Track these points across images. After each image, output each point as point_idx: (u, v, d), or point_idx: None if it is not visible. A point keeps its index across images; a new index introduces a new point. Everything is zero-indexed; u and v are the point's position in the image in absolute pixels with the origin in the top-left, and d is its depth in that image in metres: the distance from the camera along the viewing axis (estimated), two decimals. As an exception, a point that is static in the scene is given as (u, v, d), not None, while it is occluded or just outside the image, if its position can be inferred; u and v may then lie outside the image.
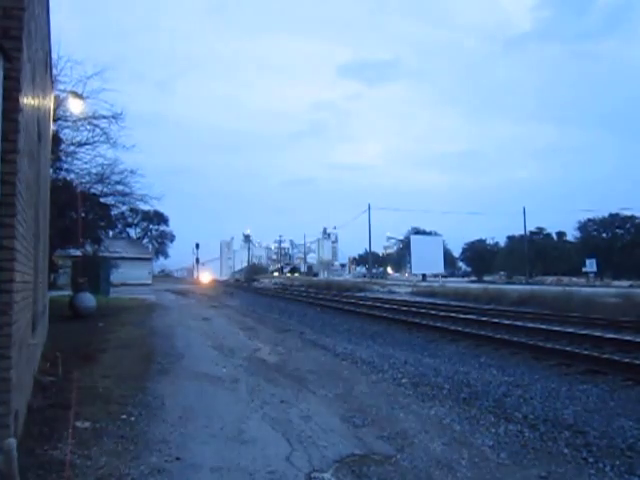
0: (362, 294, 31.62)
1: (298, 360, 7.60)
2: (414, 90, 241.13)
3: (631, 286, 30.30)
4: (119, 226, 48.59)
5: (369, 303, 21.72)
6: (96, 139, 17.81)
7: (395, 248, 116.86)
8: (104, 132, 17.53)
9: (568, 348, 8.30)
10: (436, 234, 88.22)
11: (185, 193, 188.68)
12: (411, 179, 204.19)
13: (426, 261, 70.67)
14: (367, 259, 78.78)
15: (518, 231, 66.87)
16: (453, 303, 21.68)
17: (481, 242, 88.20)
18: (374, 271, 78.03)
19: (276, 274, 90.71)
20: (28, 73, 3.92)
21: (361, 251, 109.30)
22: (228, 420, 4.45)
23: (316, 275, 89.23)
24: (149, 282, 47.55)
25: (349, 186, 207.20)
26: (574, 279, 49.70)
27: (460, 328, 11.44)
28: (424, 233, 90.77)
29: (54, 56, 12.28)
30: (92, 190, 20.37)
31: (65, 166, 18.02)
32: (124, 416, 4.46)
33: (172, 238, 77.78)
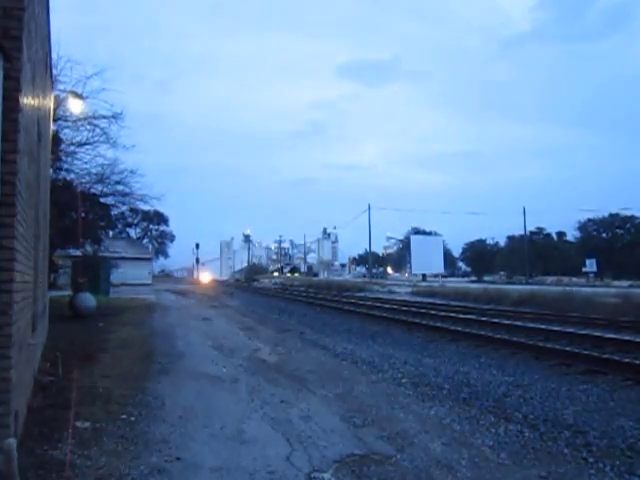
0: (362, 294, 31.62)
1: (298, 360, 7.60)
2: (413, 90, 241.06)
3: (631, 286, 30.30)
4: (119, 226, 48.61)
5: (369, 303, 21.71)
6: (96, 139, 17.82)
7: (395, 248, 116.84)
8: (104, 132, 17.54)
9: (568, 348, 8.29)
10: (436, 234, 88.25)
11: (185, 193, 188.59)
12: (411, 179, 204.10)
13: (426, 261, 70.71)
14: (367, 259, 78.78)
15: (518, 231, 66.93)
16: (453, 303, 21.68)
17: (481, 242, 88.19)
18: (374, 271, 78.02)
19: (276, 274, 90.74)
20: (28, 73, 3.92)
21: (361, 251, 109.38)
22: (228, 420, 4.45)
23: (316, 275, 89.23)
24: (149, 282, 47.54)
25: (349, 186, 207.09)
26: (574, 279, 49.67)
27: (460, 328, 11.44)
28: (424, 233, 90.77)
29: (54, 56, 12.28)
30: (92, 190, 20.38)
31: (65, 166, 18.03)
32: (124, 416, 4.46)
33: (172, 238, 77.82)
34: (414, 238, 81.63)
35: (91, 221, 23.01)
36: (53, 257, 19.34)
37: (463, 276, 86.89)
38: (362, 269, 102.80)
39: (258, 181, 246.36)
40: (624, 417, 4.72)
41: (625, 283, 37.06)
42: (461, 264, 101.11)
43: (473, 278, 77.13)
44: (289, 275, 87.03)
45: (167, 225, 74.96)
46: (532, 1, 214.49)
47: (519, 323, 12.31)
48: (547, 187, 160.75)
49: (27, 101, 3.95)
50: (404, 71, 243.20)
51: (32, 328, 5.20)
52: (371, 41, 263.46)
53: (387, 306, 19.16)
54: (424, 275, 68.13)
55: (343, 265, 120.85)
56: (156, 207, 35.31)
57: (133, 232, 70.82)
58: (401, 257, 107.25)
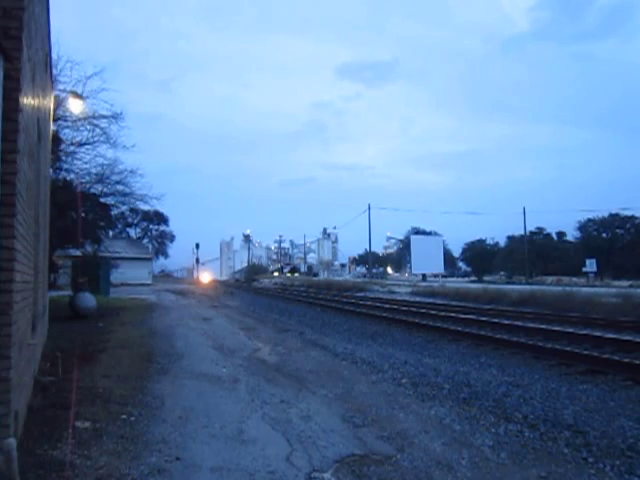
0: (362, 294, 31.62)
1: (298, 360, 7.60)
2: (413, 90, 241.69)
3: (631, 286, 30.27)
4: (119, 226, 48.71)
5: (369, 303, 21.71)
6: (96, 139, 17.86)
7: (395, 248, 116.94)
8: (104, 132, 17.58)
9: (568, 348, 8.29)
10: (436, 234, 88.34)
11: (185, 193, 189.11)
12: (411, 179, 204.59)
13: (426, 261, 70.70)
14: (367, 259, 78.78)
15: (518, 231, 66.93)
16: (453, 303, 21.68)
17: (481, 242, 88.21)
18: (374, 271, 77.99)
19: (276, 274, 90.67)
20: (28, 73, 3.92)
21: (361, 251, 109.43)
22: (228, 420, 4.45)
23: (316, 275, 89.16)
24: (149, 282, 47.58)
25: (349, 186, 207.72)
26: (574, 279, 49.62)
27: (460, 328, 11.43)
28: (424, 233, 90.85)
29: (54, 56, 12.29)
30: (92, 190, 20.39)
31: (65, 166, 18.07)
32: (124, 416, 4.46)
33: (172, 238, 77.99)
34: (414, 238, 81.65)
35: (91, 221, 23.04)
36: (53, 257, 19.36)
37: (463, 276, 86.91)
38: (362, 269, 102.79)
39: (258, 181, 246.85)
40: (624, 417, 4.72)
41: (625, 283, 37.03)
42: (461, 264, 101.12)
43: (473, 278, 77.12)
44: (289, 275, 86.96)
45: (167, 225, 75.18)
46: (530, 2, 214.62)
47: (519, 323, 12.30)
48: (547, 187, 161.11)
49: (27, 101, 3.95)
50: (404, 71, 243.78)
51: (32, 328, 5.20)
52: (371, 41, 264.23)
53: (387, 306, 19.15)
54: (424, 275, 68.11)
55: (343, 265, 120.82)
56: (156, 207, 35.35)
57: (133, 232, 70.96)
58: (401, 257, 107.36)
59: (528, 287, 28.25)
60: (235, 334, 10.70)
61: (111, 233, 38.23)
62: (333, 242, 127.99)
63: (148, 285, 44.29)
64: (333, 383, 6.03)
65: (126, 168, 19.74)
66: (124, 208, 26.93)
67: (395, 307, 18.42)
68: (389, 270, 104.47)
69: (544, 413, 4.84)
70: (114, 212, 26.82)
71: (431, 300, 24.27)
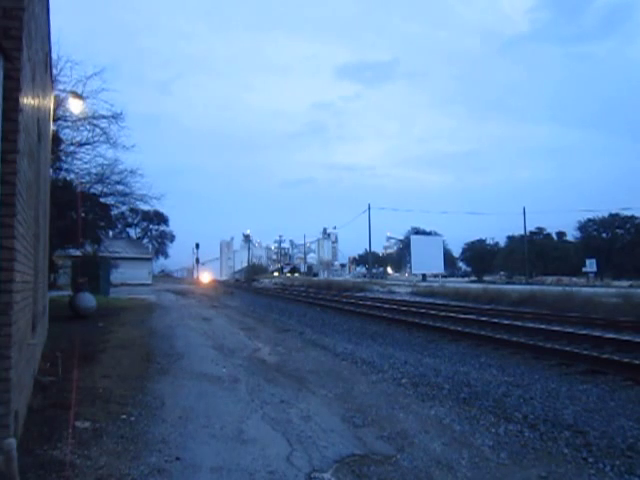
0: (362, 294, 31.62)
1: (298, 360, 7.60)
2: (413, 90, 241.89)
3: (631, 286, 30.28)
4: (119, 226, 48.70)
5: (369, 303, 21.71)
6: (96, 139, 17.86)
7: (395, 248, 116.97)
8: (104, 132, 17.58)
9: (568, 348, 8.29)
10: (436, 234, 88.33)
11: (185, 193, 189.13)
12: (411, 179, 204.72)
13: (426, 261, 70.69)
14: (367, 259, 78.77)
15: (518, 231, 66.94)
16: (453, 303, 21.68)
17: (481, 242, 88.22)
18: (374, 271, 77.99)
19: (276, 274, 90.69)
20: (28, 73, 3.92)
21: (361, 251, 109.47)
22: (228, 420, 4.45)
23: (316, 275, 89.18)
24: (149, 282, 47.56)
25: (349, 186, 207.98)
26: (574, 279, 49.64)
27: (460, 328, 11.44)
28: (424, 233, 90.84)
29: (54, 56, 12.29)
30: (92, 190, 20.40)
31: (65, 166, 18.07)
32: (124, 416, 4.46)
33: (172, 238, 77.98)
34: (414, 238, 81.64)
35: (91, 221, 23.03)
36: (53, 257, 19.35)
37: (463, 276, 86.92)
38: (362, 269, 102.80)
39: (258, 181, 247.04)
40: (624, 417, 4.72)
41: (625, 283, 37.05)
42: (461, 264, 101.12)
43: (473, 278, 77.14)
44: (289, 275, 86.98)
45: (167, 225, 75.17)
46: (529, 3, 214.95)
47: (519, 323, 12.30)
48: (547, 187, 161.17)
49: (27, 101, 3.95)
50: (404, 71, 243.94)
51: (32, 328, 5.19)
52: (371, 41, 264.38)
53: (387, 306, 19.15)
54: (424, 275, 68.10)
55: (343, 265, 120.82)
56: (156, 207, 35.31)
57: (133, 232, 70.94)
58: (401, 257, 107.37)
59: (528, 287, 28.24)
60: (235, 334, 10.70)
61: (111, 233, 38.26)
62: (333, 242, 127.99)
63: (148, 285, 44.27)
64: (333, 383, 6.03)
65: (126, 168, 19.76)
66: (124, 208, 26.97)
67: (395, 307, 18.42)
68: (389, 270, 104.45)
69: (544, 413, 4.84)
70: (114, 212, 26.84)
71: (431, 300, 24.27)
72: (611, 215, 68.98)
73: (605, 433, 4.22)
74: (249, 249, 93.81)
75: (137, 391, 5.38)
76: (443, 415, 4.76)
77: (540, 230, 76.24)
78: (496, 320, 13.05)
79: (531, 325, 11.89)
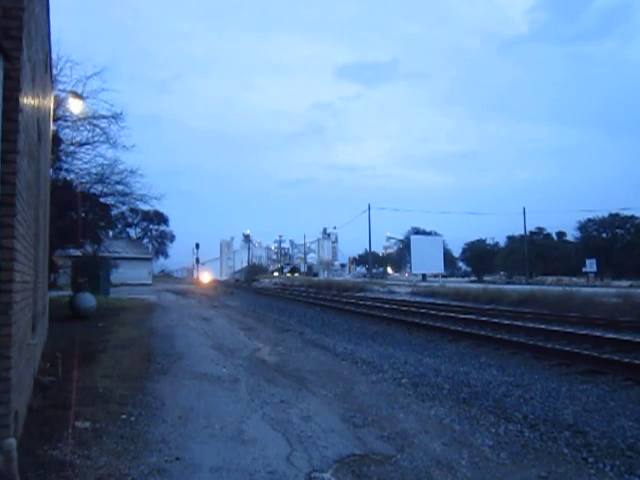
0: (362, 294, 31.61)
1: (298, 360, 7.60)
2: (413, 91, 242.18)
3: (631, 286, 30.28)
4: (119, 226, 48.66)
5: (369, 303, 21.71)
6: (96, 139, 17.86)
7: (395, 248, 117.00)
8: (104, 132, 17.59)
9: (568, 348, 8.29)
10: (436, 234, 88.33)
11: (185, 193, 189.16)
12: (411, 179, 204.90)
13: (426, 261, 70.69)
14: (367, 259, 78.75)
15: (518, 231, 66.97)
16: (453, 303, 21.68)
17: (481, 242, 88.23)
18: (374, 271, 77.99)
19: (276, 274, 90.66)
20: (28, 73, 3.92)
21: (361, 251, 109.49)
22: (228, 420, 4.45)
23: (316, 275, 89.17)
24: (149, 282, 47.57)
25: (349, 186, 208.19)
26: (574, 279, 49.63)
27: (460, 328, 11.44)
28: (424, 233, 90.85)
29: (54, 56, 12.30)
30: (92, 190, 20.39)
31: (65, 166, 18.06)
32: (124, 416, 4.46)
33: (172, 238, 77.93)
34: (414, 238, 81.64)
35: (91, 221, 23.01)
36: (53, 257, 19.34)
37: (463, 276, 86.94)
38: (362, 269, 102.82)
39: (258, 181, 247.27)
40: (624, 417, 4.72)
41: (625, 283, 37.04)
42: (461, 264, 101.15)
43: (473, 278, 77.15)
44: (289, 275, 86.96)
45: (167, 225, 75.13)
46: (529, 3, 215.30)
47: (519, 323, 12.30)
48: (547, 187, 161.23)
49: (27, 101, 3.95)
50: (404, 72, 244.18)
51: (32, 328, 5.19)
52: (371, 41, 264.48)
53: (387, 306, 19.15)
54: (424, 275, 68.10)
55: (343, 265, 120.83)
56: (156, 207, 35.31)
57: (133, 232, 70.92)
58: (401, 257, 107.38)
59: (528, 287, 28.24)
60: (235, 334, 10.70)
61: (111, 233, 38.22)
62: (333, 242, 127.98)
63: (148, 285, 44.28)
64: (333, 383, 6.03)
65: (126, 168, 19.76)
66: (124, 208, 26.92)
67: (395, 307, 18.42)
68: (389, 270, 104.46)
69: (544, 413, 4.84)
70: (114, 212, 26.80)
71: (431, 300, 24.27)
72: (611, 215, 69.00)
73: (605, 433, 4.22)
74: (249, 249, 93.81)
75: (137, 391, 5.38)
76: (443, 415, 4.76)
77: (540, 230, 76.27)
78: (496, 320, 13.05)
79: (531, 325, 11.89)
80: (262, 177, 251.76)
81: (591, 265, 51.68)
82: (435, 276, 70.24)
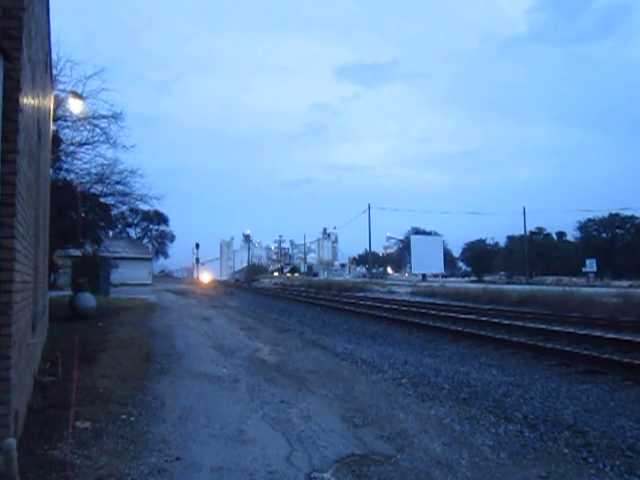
0: (362, 294, 31.61)
1: (298, 360, 7.60)
2: (412, 91, 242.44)
3: (631, 286, 30.28)
4: (119, 226, 48.70)
5: (369, 303, 21.71)
6: (96, 139, 17.85)
7: (395, 248, 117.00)
8: (104, 132, 17.57)
9: (568, 348, 8.29)
10: (436, 234, 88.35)
11: (185, 193, 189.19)
12: (411, 179, 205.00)
13: (426, 261, 70.70)
14: (367, 259, 78.75)
15: (518, 231, 66.97)
16: (453, 303, 21.67)
17: (481, 242, 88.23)
18: (374, 271, 77.96)
19: (276, 274, 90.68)
20: (28, 73, 3.92)
21: (361, 251, 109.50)
22: (228, 420, 4.45)
23: (316, 275, 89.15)
24: (149, 282, 47.57)
25: (349, 186, 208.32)
26: (574, 279, 49.63)
27: (460, 328, 11.44)
28: (424, 233, 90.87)
29: (54, 56, 12.30)
30: (92, 190, 20.37)
31: (65, 166, 18.05)
32: (124, 416, 4.46)
33: (172, 238, 78.00)
34: (414, 238, 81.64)
35: (91, 221, 23.02)
36: (53, 257, 19.34)
37: (463, 276, 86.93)
38: (362, 269, 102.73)
39: (258, 181, 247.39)
40: (624, 417, 4.72)
41: (625, 283, 37.04)
42: (461, 264, 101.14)
43: (473, 278, 77.12)
44: (289, 275, 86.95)
45: (167, 225, 75.20)
46: (528, 3, 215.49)
47: (519, 323, 12.30)
48: (547, 187, 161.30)
49: (27, 101, 3.95)
50: (403, 72, 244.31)
51: (32, 328, 5.19)
52: (370, 42, 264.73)
53: (387, 306, 19.15)
54: (424, 275, 68.10)
55: (343, 265, 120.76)
56: (156, 207, 35.27)
57: (133, 232, 70.96)
58: (401, 257, 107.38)
59: (528, 287, 28.23)
60: (235, 334, 10.70)
61: (111, 233, 38.24)
62: (333, 242, 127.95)
63: (148, 285, 44.28)
64: (333, 383, 6.03)
65: (126, 168, 19.72)
66: (124, 208, 26.88)
67: (395, 307, 18.41)
68: (389, 270, 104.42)
69: (544, 413, 4.84)
70: (114, 212, 26.78)
71: (431, 300, 24.26)
72: (611, 215, 69.01)
73: (605, 433, 4.22)
74: (249, 249, 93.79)
75: (137, 391, 5.38)
76: (443, 415, 4.76)
77: (540, 230, 76.28)
78: (496, 320, 13.04)
79: (531, 325, 11.88)
80: (262, 177, 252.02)
81: (591, 265, 51.68)
82: (435, 276, 70.24)
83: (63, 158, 17.53)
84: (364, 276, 74.68)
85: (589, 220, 71.59)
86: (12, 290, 3.28)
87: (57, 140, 15.31)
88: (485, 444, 3.97)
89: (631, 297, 16.88)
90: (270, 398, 5.24)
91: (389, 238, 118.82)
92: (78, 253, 23.58)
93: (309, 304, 22.08)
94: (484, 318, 13.77)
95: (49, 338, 8.42)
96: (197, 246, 63.46)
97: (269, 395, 5.38)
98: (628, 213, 65.37)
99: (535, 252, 66.21)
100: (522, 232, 61.56)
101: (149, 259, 54.10)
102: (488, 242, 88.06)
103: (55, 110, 13.62)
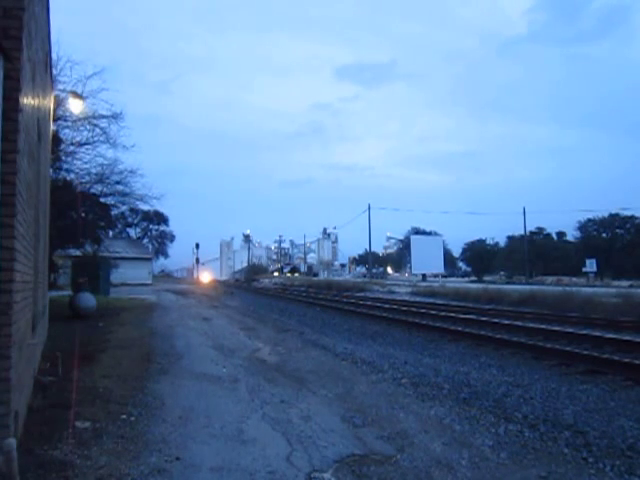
0: (362, 294, 31.61)
1: (298, 360, 7.60)
2: (412, 91, 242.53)
3: (631, 286, 30.26)
4: (119, 226, 48.73)
5: (369, 303, 21.71)
6: (96, 139, 17.83)
7: (395, 248, 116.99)
8: (104, 132, 17.56)
9: (568, 348, 8.29)
10: (436, 234, 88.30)
11: (185, 193, 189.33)
12: (411, 179, 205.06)
13: (426, 261, 70.66)
14: (367, 259, 78.75)
15: (518, 231, 66.96)
16: (453, 303, 21.68)
17: (481, 242, 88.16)
18: (374, 271, 77.97)
19: (276, 274, 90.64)
20: (28, 73, 3.92)
21: (361, 251, 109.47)
22: (228, 420, 4.45)
23: (316, 275, 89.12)
24: (149, 282, 47.55)
25: (349, 186, 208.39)
26: (574, 279, 49.61)
27: (460, 328, 11.44)
28: (424, 233, 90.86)
29: (54, 56, 12.30)
30: (92, 190, 20.37)
31: (65, 166, 18.04)
32: (124, 416, 4.46)
33: (172, 238, 78.06)
34: (414, 238, 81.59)
35: (91, 221, 23.02)
36: (53, 257, 19.35)
37: (463, 276, 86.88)
38: (362, 269, 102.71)
39: (258, 181, 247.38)
40: (624, 417, 4.72)
41: (625, 283, 37.02)
42: (461, 264, 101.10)
43: (473, 278, 77.07)
44: (289, 275, 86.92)
45: (167, 225, 75.25)
46: (528, 4, 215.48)
47: (519, 323, 12.30)
48: (547, 187, 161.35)
49: (27, 101, 3.95)
50: (403, 72, 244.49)
51: (32, 328, 5.20)
52: (370, 42, 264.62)
53: (387, 306, 19.16)
54: (424, 275, 68.06)
55: (343, 265, 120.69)
56: (156, 207, 35.32)
57: (133, 232, 70.99)
58: (401, 257, 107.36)
59: (528, 287, 28.22)
60: (235, 334, 10.69)
61: (111, 233, 38.25)
62: (333, 242, 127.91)
63: (148, 285, 44.26)
64: (333, 383, 6.03)
65: (126, 168, 19.71)
66: (124, 208, 26.93)
67: (395, 307, 18.42)
68: (389, 270, 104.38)
69: (544, 413, 4.84)
70: (114, 212, 26.80)
71: (431, 300, 24.26)
72: (611, 215, 68.99)
73: (605, 433, 4.22)
74: (249, 249, 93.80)
75: (137, 391, 5.38)
76: (443, 415, 4.76)
77: (540, 230, 76.29)
78: (496, 320, 13.05)
79: (531, 325, 11.89)
80: (262, 177, 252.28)
81: (591, 265, 51.68)
82: (435, 276, 70.21)
83: (63, 158, 17.53)
84: (364, 276, 74.66)
85: (589, 220, 71.64)
86: (12, 290, 3.28)
87: (57, 140, 15.31)
88: (485, 444, 3.97)
89: (631, 297, 16.87)
90: (270, 398, 5.24)
91: (389, 238, 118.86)
92: (78, 253, 23.60)
93: (309, 304, 22.08)
94: (484, 318, 13.77)
95: (49, 338, 8.42)
96: (197, 246, 63.46)
97: (269, 395, 5.38)
98: (628, 213, 65.42)
99: (535, 252, 66.20)
100: (522, 232, 61.59)
101: (149, 259, 54.08)
102: (488, 242, 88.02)
103: (55, 110, 13.62)
